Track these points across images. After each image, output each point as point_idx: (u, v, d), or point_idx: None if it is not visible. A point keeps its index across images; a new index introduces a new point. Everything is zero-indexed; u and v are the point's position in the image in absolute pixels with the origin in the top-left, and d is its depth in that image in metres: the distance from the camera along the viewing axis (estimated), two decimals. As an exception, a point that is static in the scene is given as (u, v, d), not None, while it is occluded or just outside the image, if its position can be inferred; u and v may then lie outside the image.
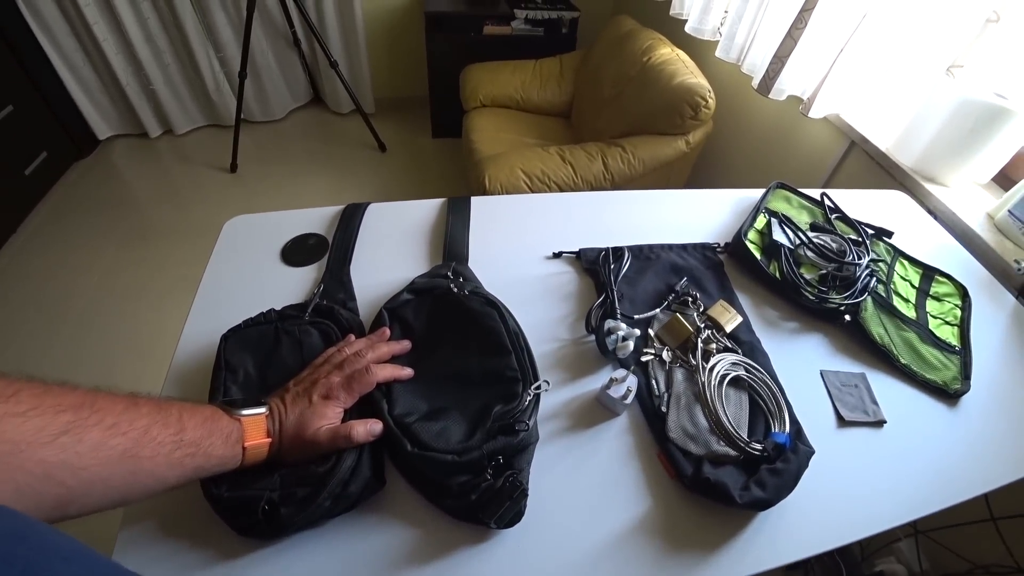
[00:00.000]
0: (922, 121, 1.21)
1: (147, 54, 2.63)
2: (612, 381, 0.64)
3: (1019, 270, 1.00)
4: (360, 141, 2.88)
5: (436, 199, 0.95)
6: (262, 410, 0.53)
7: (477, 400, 0.60)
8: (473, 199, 0.95)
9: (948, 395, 0.74)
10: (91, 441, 0.38)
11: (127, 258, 2.23)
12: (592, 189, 1.68)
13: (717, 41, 1.75)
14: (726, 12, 1.68)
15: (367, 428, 0.55)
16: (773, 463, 0.58)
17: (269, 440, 0.52)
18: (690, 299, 0.77)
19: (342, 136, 2.99)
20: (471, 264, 0.83)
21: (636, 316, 0.75)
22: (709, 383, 0.64)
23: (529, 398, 0.59)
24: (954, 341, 0.82)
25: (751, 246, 0.87)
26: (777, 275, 0.83)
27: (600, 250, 0.84)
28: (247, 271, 0.79)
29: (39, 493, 0.35)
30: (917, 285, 0.91)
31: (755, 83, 1.53)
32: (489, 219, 0.92)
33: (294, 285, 0.78)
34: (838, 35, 1.31)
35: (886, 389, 0.74)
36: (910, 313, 0.84)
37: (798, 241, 0.88)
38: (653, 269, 0.83)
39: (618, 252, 0.83)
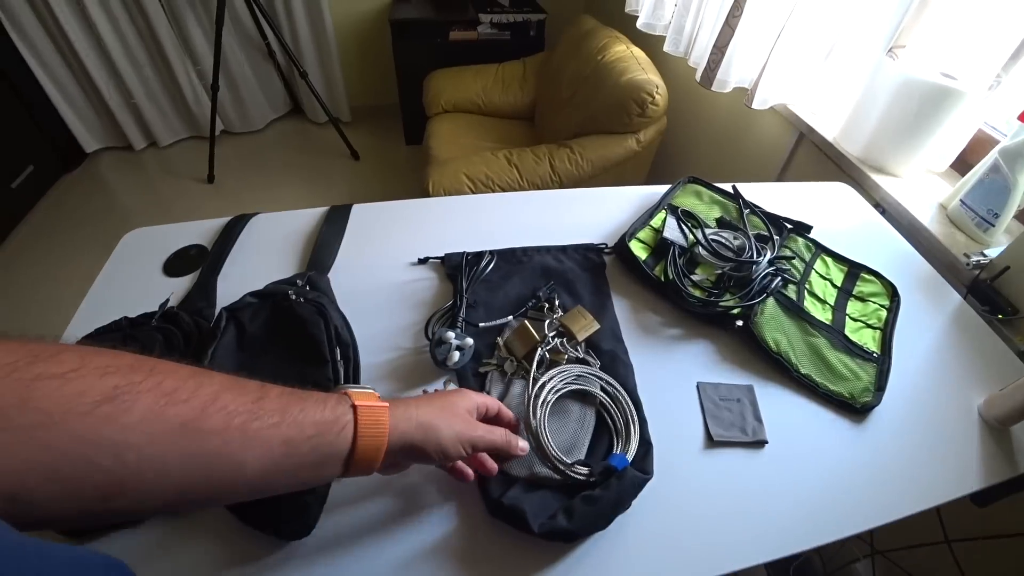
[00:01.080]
0: (865, 107, 1.11)
1: (127, 68, 2.64)
2: (426, 393, 0.57)
3: (968, 264, 0.90)
4: (335, 150, 2.86)
5: (321, 208, 0.91)
6: (370, 388, 0.44)
7: None
8: (356, 206, 0.91)
9: (855, 409, 0.65)
10: (141, 411, 0.30)
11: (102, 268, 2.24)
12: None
13: (669, 35, 1.67)
14: (676, 5, 1.60)
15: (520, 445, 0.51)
16: (587, 485, 0.51)
17: (386, 405, 0.41)
18: (546, 305, 0.69)
19: (318, 145, 2.98)
20: (335, 271, 0.80)
21: (483, 324, 0.67)
22: (536, 396, 0.56)
23: None
24: (873, 347, 0.73)
25: (639, 246, 0.79)
26: (662, 277, 0.75)
27: (464, 253, 0.77)
28: (133, 281, 0.79)
29: (76, 479, 0.28)
30: (839, 284, 0.81)
31: (697, 76, 1.45)
32: (371, 226, 0.88)
33: (169, 294, 0.76)
34: (775, 20, 1.22)
35: (778, 404, 0.65)
36: (823, 316, 0.75)
37: (694, 239, 0.79)
38: (521, 273, 0.75)
39: (480, 255, 0.75)
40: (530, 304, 0.69)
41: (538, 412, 0.54)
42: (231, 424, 0.33)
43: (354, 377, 0.62)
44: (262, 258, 0.83)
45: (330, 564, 0.50)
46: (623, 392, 0.59)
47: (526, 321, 0.64)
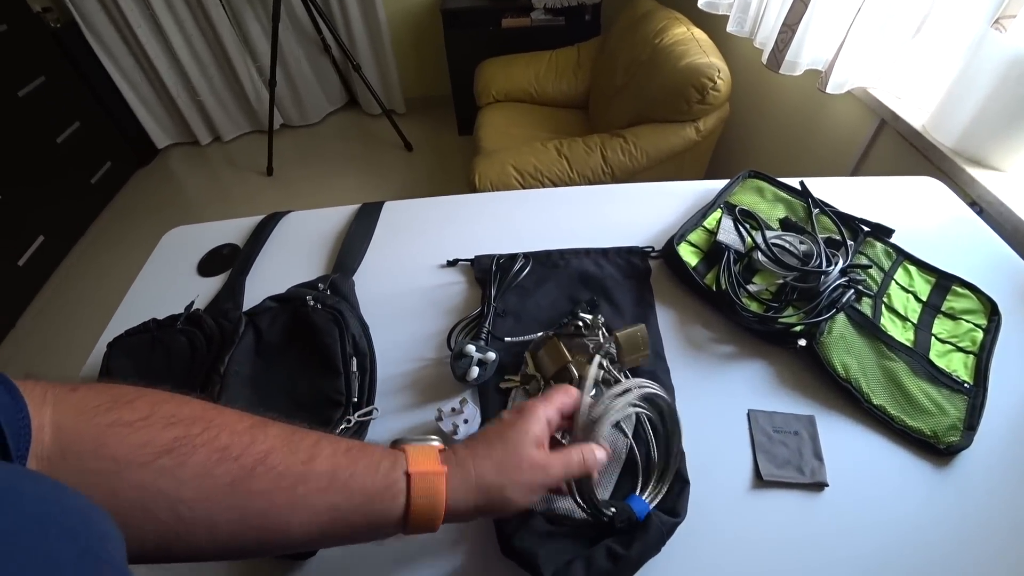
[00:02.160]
0: (964, 90, 0.97)
1: (193, 67, 2.79)
2: (441, 412, 0.52)
3: (1087, 278, 0.76)
4: (389, 141, 2.88)
5: (352, 206, 0.89)
6: (436, 440, 0.41)
7: (298, 420, 0.53)
8: (388, 204, 0.88)
9: (938, 451, 0.55)
10: (195, 465, 0.31)
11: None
12: (590, 184, 1.53)
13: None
14: (742, -21, 1.47)
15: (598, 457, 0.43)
16: (612, 530, 0.45)
17: (444, 470, 0.37)
18: (584, 321, 0.60)
19: (373, 137, 3.01)
20: (361, 274, 0.77)
21: (508, 339, 0.62)
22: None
23: (344, 426, 0.54)
24: (964, 375, 0.62)
25: (689, 251, 0.71)
26: (713, 286, 0.67)
27: (495, 256, 0.72)
28: (169, 281, 0.81)
29: (136, 527, 0.30)
30: (925, 299, 0.70)
31: (764, 58, 1.32)
32: (403, 225, 0.86)
33: (204, 295, 0.77)
34: (855, -8, 1.08)
35: (844, 440, 0.56)
36: (903, 336, 0.65)
37: (752, 242, 0.70)
38: (556, 279, 0.69)
39: (513, 258, 0.70)
40: (566, 320, 0.62)
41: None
42: (278, 486, 0.33)
43: (369, 389, 0.59)
44: (291, 258, 0.82)
45: None
46: (664, 424, 0.52)
47: (555, 338, 0.58)
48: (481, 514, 0.39)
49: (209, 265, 0.83)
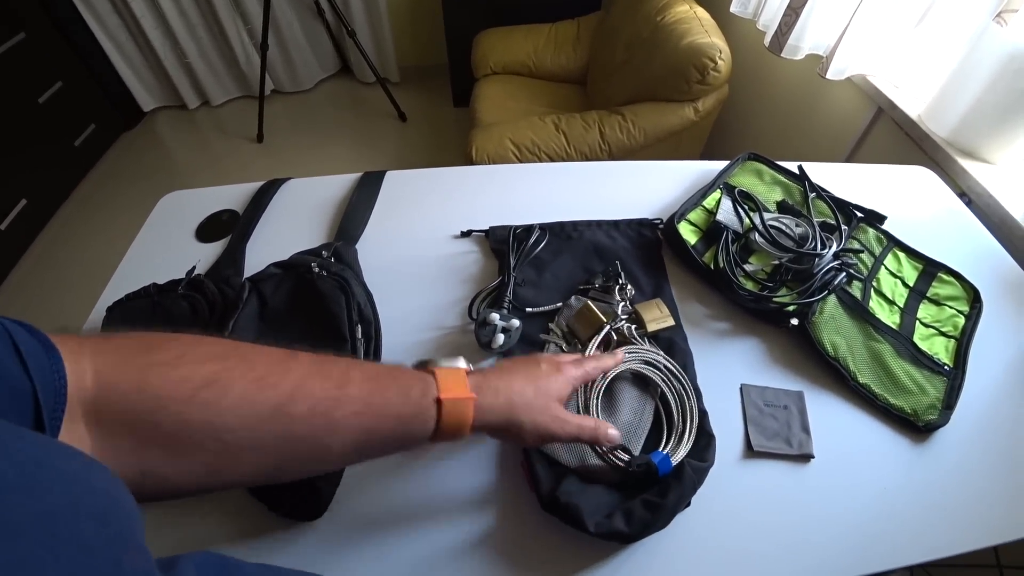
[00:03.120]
0: (961, 81, 0.98)
1: (181, 28, 2.68)
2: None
3: (1066, 269, 0.79)
4: (383, 111, 2.82)
5: (355, 174, 0.88)
6: (463, 363, 0.44)
7: None
8: (390, 173, 0.88)
9: (917, 428, 0.58)
10: (236, 394, 0.33)
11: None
12: (587, 161, 1.53)
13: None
14: (747, -41, 1.46)
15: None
16: (645, 484, 0.48)
17: (472, 397, 0.40)
18: (617, 285, 0.65)
19: (366, 106, 2.95)
20: (365, 242, 0.78)
21: (530, 310, 0.63)
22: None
23: None
24: (944, 358, 0.65)
25: (689, 229, 0.72)
26: (711, 265, 0.68)
27: (511, 228, 0.73)
28: (167, 246, 0.80)
29: (187, 457, 0.32)
30: (912, 284, 0.73)
31: (766, 40, 1.32)
32: (407, 195, 0.85)
33: (204, 260, 0.77)
34: (861, -22, 1.09)
35: (830, 415, 0.59)
36: (890, 319, 0.67)
37: (750, 223, 0.72)
38: (571, 250, 0.71)
39: (529, 230, 0.71)
40: (597, 283, 0.65)
41: (596, 390, 0.51)
42: (316, 411, 0.35)
43: (375, 356, 0.60)
44: (292, 225, 0.81)
45: (346, 550, 0.48)
46: (687, 383, 0.55)
47: (589, 302, 0.60)
48: (491, 436, 0.44)
49: (208, 231, 0.82)
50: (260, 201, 0.84)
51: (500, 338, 0.59)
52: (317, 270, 0.65)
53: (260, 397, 0.34)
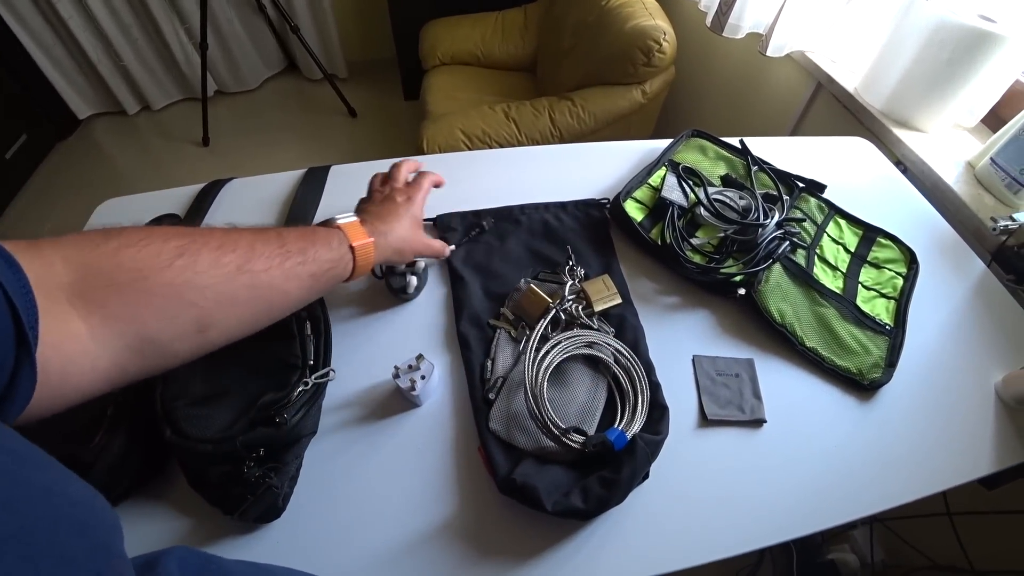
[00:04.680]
0: (891, 54, 1.02)
1: (114, 30, 2.54)
2: (398, 370, 0.53)
3: (995, 229, 0.82)
4: (332, 107, 2.76)
5: (297, 171, 0.85)
6: (354, 216, 0.55)
7: (255, 386, 0.54)
8: (335, 167, 0.86)
9: (862, 386, 0.60)
10: (205, 260, 0.39)
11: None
12: (540, 149, 1.53)
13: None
14: (686, -60, 1.47)
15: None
16: (603, 461, 0.48)
17: (372, 239, 0.53)
18: (567, 267, 0.65)
19: (315, 103, 2.88)
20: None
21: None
22: (538, 354, 0.52)
23: (302, 388, 0.52)
24: (885, 318, 0.67)
25: (635, 207, 0.73)
26: (658, 241, 0.69)
27: (461, 214, 0.72)
28: None
29: (177, 316, 0.38)
30: (853, 249, 0.75)
31: (708, 21, 1.34)
32: (353, 188, 0.81)
33: None
34: (794, -46, 1.11)
35: (780, 380, 0.60)
36: (834, 284, 0.69)
37: (695, 198, 0.73)
38: (517, 234, 0.70)
39: (477, 216, 0.70)
40: (557, 267, 0.66)
41: (540, 371, 0.51)
42: (272, 264, 0.43)
43: (325, 351, 0.58)
44: (238, 224, 0.78)
45: (308, 548, 0.47)
46: (636, 360, 0.55)
47: (533, 284, 0.60)
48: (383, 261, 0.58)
49: (146, 236, 0.79)
50: (202, 203, 0.80)
51: (413, 280, 0.62)
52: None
53: (225, 259, 0.40)
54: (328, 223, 0.53)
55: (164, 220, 0.80)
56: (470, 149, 1.50)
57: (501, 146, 1.51)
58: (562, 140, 1.52)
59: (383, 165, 0.85)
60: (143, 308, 0.36)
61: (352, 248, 0.50)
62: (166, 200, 0.82)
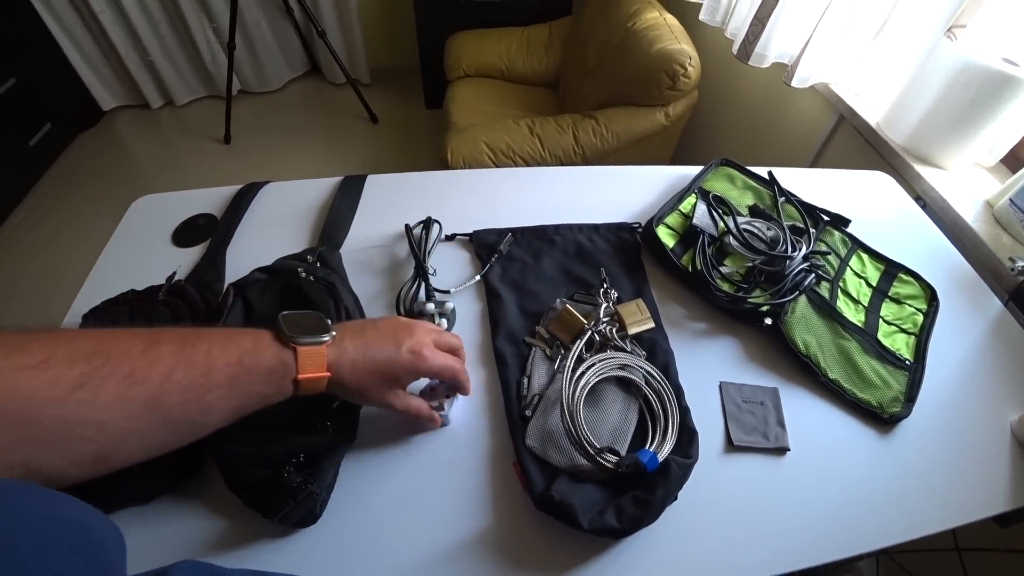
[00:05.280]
0: (915, 91, 1.04)
1: (144, 25, 2.60)
2: (428, 390, 0.55)
3: (1012, 269, 0.84)
4: (353, 112, 2.80)
5: (335, 178, 0.88)
6: (325, 338, 0.46)
7: None
8: (371, 177, 0.88)
9: (882, 420, 0.62)
10: (109, 394, 0.35)
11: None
12: (561, 164, 1.56)
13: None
14: (715, -31, 1.51)
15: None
16: (634, 481, 0.50)
17: (328, 375, 0.45)
18: (602, 289, 0.67)
19: (337, 107, 2.92)
20: (348, 246, 0.77)
21: (454, 289, 0.67)
22: (575, 374, 0.55)
23: None
24: (906, 353, 0.69)
25: (667, 233, 0.75)
26: (689, 267, 0.71)
27: (498, 231, 0.74)
28: (142, 251, 0.78)
29: (70, 450, 0.34)
30: (875, 284, 0.77)
31: (735, 48, 1.37)
32: (387, 198, 0.85)
33: (178, 265, 0.74)
34: (823, -8, 1.14)
35: (803, 409, 0.62)
36: (856, 317, 0.71)
37: (725, 227, 0.75)
38: (551, 254, 0.72)
39: (509, 234, 0.73)
40: (591, 288, 0.69)
41: (577, 391, 0.53)
42: (188, 398, 0.38)
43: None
44: (273, 229, 0.80)
45: (342, 555, 0.48)
46: (666, 384, 0.57)
47: (568, 305, 0.62)
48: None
49: (185, 235, 0.80)
50: (239, 205, 0.83)
51: (444, 323, 0.62)
52: (304, 275, 0.65)
53: (132, 392, 0.35)
54: (292, 328, 0.45)
55: (200, 219, 0.83)
56: (494, 162, 1.52)
57: (525, 161, 1.53)
58: (584, 158, 1.55)
59: (420, 179, 0.88)
60: (31, 441, 0.32)
61: (296, 381, 0.43)
62: (201, 199, 0.84)
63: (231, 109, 2.61)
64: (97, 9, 2.48)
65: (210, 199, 0.85)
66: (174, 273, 0.70)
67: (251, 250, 0.76)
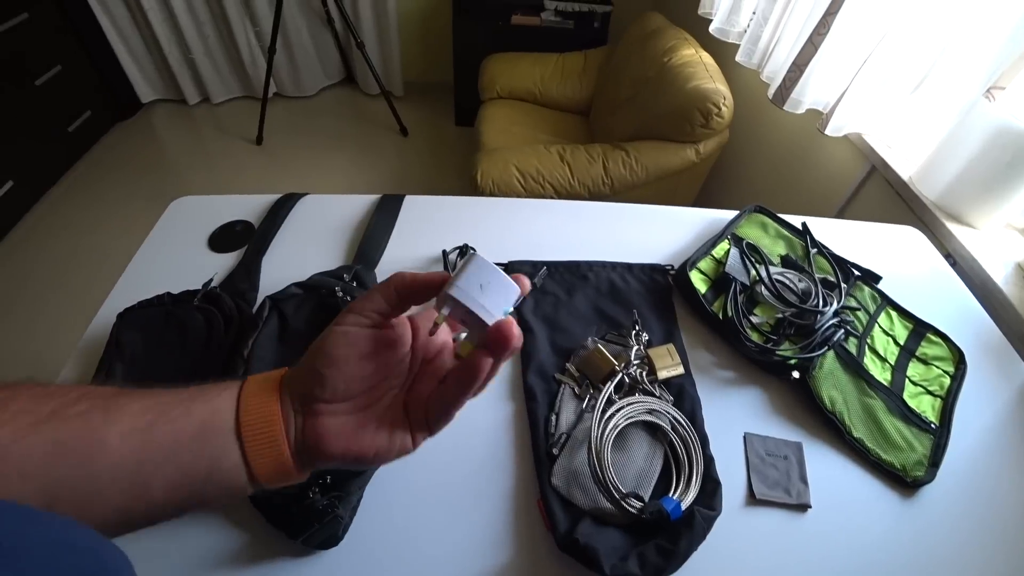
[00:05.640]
0: (951, 149, 1.05)
1: (189, 23, 2.69)
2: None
3: (1042, 336, 0.84)
4: (384, 123, 2.85)
5: (371, 195, 0.90)
6: (281, 445, 0.32)
7: None
8: (409, 198, 0.89)
9: (905, 483, 0.61)
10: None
11: (148, 217, 2.29)
12: (589, 193, 1.58)
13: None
14: (754, 13, 1.52)
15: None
16: (656, 527, 0.50)
17: (279, 443, 0.32)
18: (634, 331, 0.68)
19: (368, 117, 2.98)
20: (383, 266, 0.79)
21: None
22: (600, 423, 0.55)
23: None
24: (931, 416, 0.68)
25: (699, 277, 0.76)
26: (720, 315, 0.71)
27: (533, 263, 0.75)
28: (177, 253, 0.79)
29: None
30: (902, 343, 0.77)
31: (770, 92, 1.38)
32: (423, 220, 0.87)
33: (213, 271, 0.76)
34: (863, 44, 1.15)
35: (826, 466, 0.62)
36: (883, 376, 0.71)
37: (757, 276, 0.75)
38: (584, 290, 0.73)
39: (542, 266, 0.74)
40: (622, 328, 0.69)
41: (606, 433, 0.53)
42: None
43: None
44: (308, 242, 0.82)
45: None
46: (693, 431, 0.58)
47: (600, 345, 0.63)
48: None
49: (221, 241, 0.82)
50: (277, 215, 0.84)
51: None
52: (341, 294, 0.66)
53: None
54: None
55: (237, 226, 0.84)
56: (523, 186, 1.54)
57: (554, 188, 1.55)
58: (613, 188, 1.56)
59: (456, 203, 0.90)
60: None
61: (244, 456, 0.31)
62: (238, 205, 0.86)
63: (265, 111, 2.67)
64: (147, 6, 2.57)
65: (247, 205, 0.86)
66: (211, 279, 0.71)
67: (286, 261, 0.78)
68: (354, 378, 0.33)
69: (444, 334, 0.38)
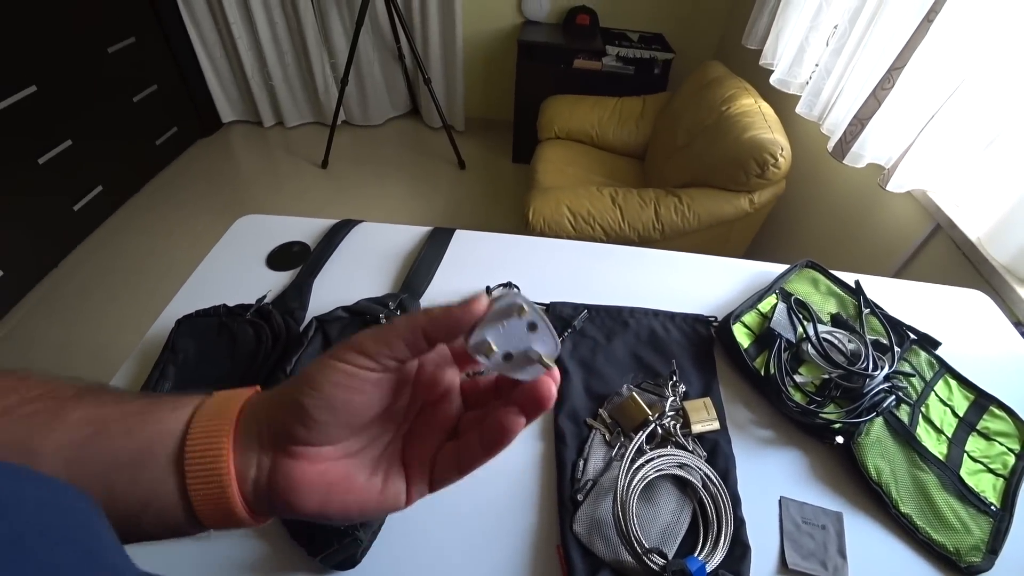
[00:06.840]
0: (1025, 213, 1.00)
1: (272, 53, 2.92)
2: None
3: (1124, 420, 0.77)
4: (443, 156, 2.96)
5: (424, 227, 0.93)
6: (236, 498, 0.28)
7: None
8: (459, 232, 0.92)
9: (957, 568, 0.57)
10: None
11: (215, 230, 2.45)
12: (639, 237, 1.57)
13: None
14: (816, 66, 1.51)
15: None
16: None
17: (251, 516, 0.28)
18: (670, 381, 0.67)
19: (429, 148, 3.10)
20: (427, 298, 0.81)
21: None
22: (628, 473, 0.54)
23: None
24: (992, 497, 0.64)
25: (743, 331, 0.74)
26: (762, 371, 0.70)
27: (574, 306, 0.76)
28: (237, 268, 0.84)
29: None
30: (962, 414, 0.72)
31: (830, 145, 1.35)
32: (471, 255, 0.89)
33: (268, 287, 0.80)
34: (930, 100, 1.12)
35: (868, 541, 0.58)
36: (938, 448, 0.67)
37: (804, 334, 0.73)
38: (624, 336, 0.73)
39: (583, 310, 0.74)
40: (658, 377, 0.68)
41: (633, 483, 0.53)
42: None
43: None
44: (359, 268, 0.85)
45: None
46: (724, 490, 0.56)
47: (635, 394, 0.63)
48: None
49: (278, 259, 0.86)
50: (332, 239, 0.88)
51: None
52: (385, 321, 0.69)
53: None
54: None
55: (294, 247, 0.88)
56: (573, 226, 1.56)
57: (604, 230, 1.56)
58: (663, 234, 1.56)
59: (503, 240, 0.92)
60: None
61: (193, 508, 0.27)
62: (298, 227, 0.90)
63: (333, 137, 2.83)
64: (236, 35, 2.81)
65: (307, 228, 0.91)
66: (264, 296, 0.75)
67: (336, 284, 0.82)
68: (351, 425, 0.29)
69: (452, 372, 0.34)
